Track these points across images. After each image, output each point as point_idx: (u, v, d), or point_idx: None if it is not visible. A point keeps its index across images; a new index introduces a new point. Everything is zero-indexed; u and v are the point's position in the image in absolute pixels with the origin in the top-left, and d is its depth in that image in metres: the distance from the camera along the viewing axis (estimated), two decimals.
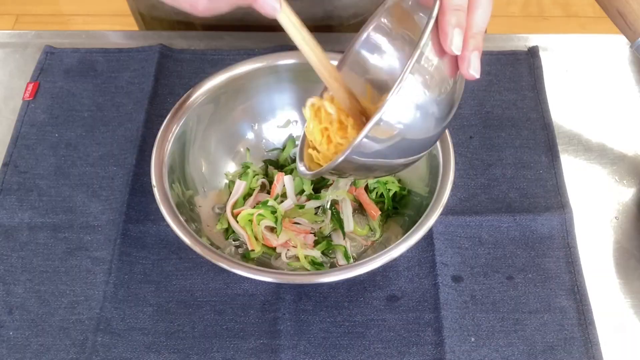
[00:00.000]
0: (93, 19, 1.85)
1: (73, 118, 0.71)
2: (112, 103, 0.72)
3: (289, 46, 0.74)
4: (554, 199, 0.65)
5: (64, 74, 0.74)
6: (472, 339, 0.57)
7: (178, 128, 0.60)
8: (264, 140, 0.68)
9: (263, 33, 0.79)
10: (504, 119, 0.71)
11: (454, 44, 0.42)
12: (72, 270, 0.61)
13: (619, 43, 0.78)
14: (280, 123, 0.68)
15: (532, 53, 0.76)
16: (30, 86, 0.73)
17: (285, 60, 0.64)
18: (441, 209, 0.54)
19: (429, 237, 0.62)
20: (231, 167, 0.66)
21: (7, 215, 0.64)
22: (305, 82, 0.65)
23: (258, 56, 0.64)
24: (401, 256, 0.61)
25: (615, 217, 0.65)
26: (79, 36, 0.79)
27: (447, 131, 0.57)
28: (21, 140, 0.69)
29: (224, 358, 0.56)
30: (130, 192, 0.65)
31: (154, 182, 0.56)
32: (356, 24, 0.84)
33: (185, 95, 0.61)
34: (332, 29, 0.83)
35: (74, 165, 0.68)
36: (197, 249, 0.53)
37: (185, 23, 0.83)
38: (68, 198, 0.65)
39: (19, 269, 0.61)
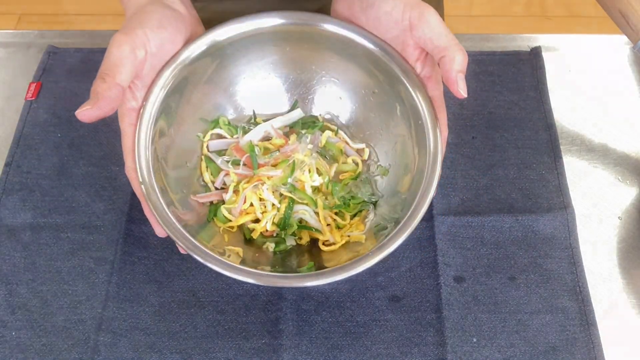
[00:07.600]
0: (96, 19, 1.85)
1: (75, 118, 0.70)
2: None
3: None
4: (556, 199, 0.65)
5: (67, 73, 0.74)
6: (474, 340, 0.57)
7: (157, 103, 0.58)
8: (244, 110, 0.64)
9: None
10: (506, 119, 0.71)
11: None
12: (75, 270, 0.61)
13: (623, 43, 0.77)
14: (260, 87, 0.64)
15: (535, 53, 0.76)
16: (33, 86, 0.73)
17: (268, 22, 0.59)
18: (432, 194, 0.53)
19: (431, 237, 0.62)
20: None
21: (10, 215, 0.64)
22: (288, 44, 0.62)
23: (238, 18, 0.59)
24: (403, 257, 0.61)
25: (619, 217, 0.65)
26: (81, 36, 0.79)
27: (438, 134, 0.56)
28: (24, 140, 0.69)
29: (226, 358, 0.56)
30: (133, 192, 0.65)
31: (140, 178, 0.54)
32: None
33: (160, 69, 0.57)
34: None
35: (76, 165, 0.68)
36: (185, 246, 0.51)
37: None
38: (70, 198, 0.65)
39: (22, 269, 0.61)
